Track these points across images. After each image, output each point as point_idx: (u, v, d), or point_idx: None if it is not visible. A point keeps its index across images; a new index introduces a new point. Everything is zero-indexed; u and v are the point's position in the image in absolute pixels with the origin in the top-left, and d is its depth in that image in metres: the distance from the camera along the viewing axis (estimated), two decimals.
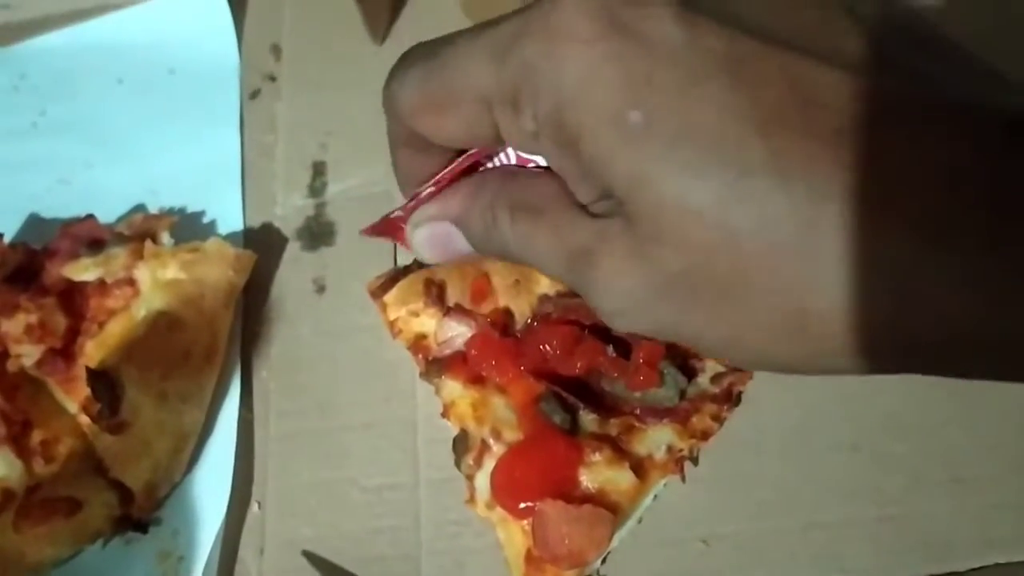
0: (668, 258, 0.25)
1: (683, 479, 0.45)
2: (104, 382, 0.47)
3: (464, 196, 0.32)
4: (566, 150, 0.26)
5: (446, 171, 0.33)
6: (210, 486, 0.49)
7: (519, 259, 0.30)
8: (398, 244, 0.42)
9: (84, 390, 0.48)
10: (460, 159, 0.33)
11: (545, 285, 0.48)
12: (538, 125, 0.27)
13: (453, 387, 0.46)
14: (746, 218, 0.24)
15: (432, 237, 0.34)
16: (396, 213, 0.38)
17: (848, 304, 0.23)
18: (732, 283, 0.25)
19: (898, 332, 0.24)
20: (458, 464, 0.45)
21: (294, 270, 0.54)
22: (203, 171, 0.57)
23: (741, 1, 0.25)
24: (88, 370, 0.47)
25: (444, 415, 0.46)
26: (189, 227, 0.55)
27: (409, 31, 0.59)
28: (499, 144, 0.30)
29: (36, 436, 0.48)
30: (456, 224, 0.32)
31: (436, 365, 0.47)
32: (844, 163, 0.23)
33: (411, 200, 0.36)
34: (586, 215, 0.28)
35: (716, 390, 0.45)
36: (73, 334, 0.50)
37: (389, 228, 0.39)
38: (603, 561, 0.44)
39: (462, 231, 0.32)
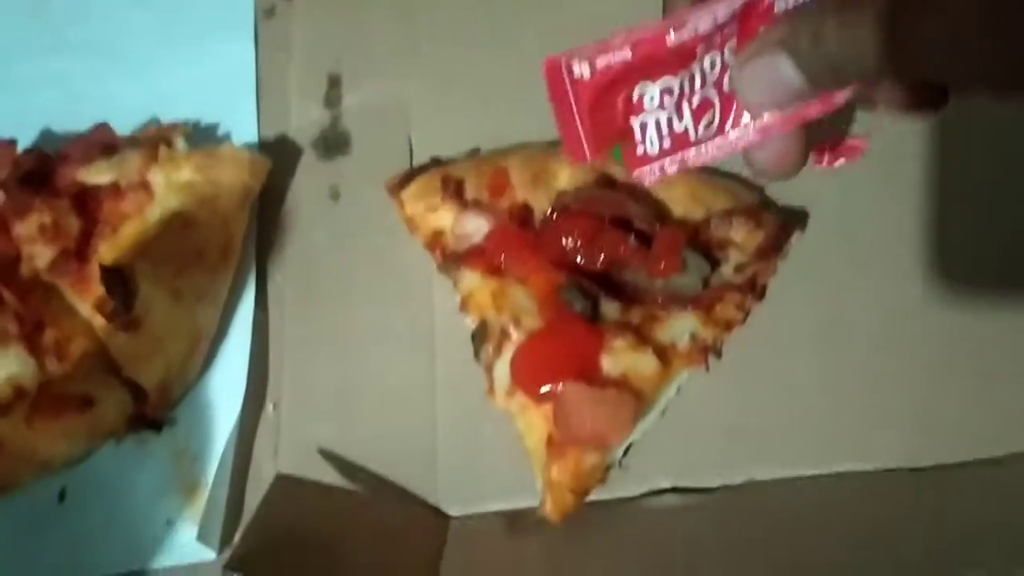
0: None
1: (707, 368, 0.44)
2: (117, 278, 0.47)
3: (784, 20, 0.30)
4: None
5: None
6: (225, 387, 0.48)
7: (847, 65, 0.29)
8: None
9: (97, 291, 0.48)
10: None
11: (563, 181, 0.47)
12: None
13: (471, 278, 0.45)
14: None
15: (763, 71, 0.31)
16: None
17: None
18: None
19: None
20: (477, 354, 0.45)
21: (309, 178, 0.53)
22: (217, 86, 0.56)
23: None
24: (101, 266, 0.47)
25: (462, 308, 0.46)
26: (203, 138, 0.54)
27: None
28: None
29: (49, 335, 0.47)
30: (782, 46, 0.30)
31: (454, 258, 0.46)
32: None
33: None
34: None
35: (740, 280, 0.45)
36: (86, 236, 0.49)
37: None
38: (625, 453, 0.44)
39: (789, 52, 0.30)
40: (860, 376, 0.44)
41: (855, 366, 0.44)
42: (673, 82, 0.31)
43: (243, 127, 0.55)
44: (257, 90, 0.56)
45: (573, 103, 0.31)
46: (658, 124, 0.32)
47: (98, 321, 0.48)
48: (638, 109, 0.31)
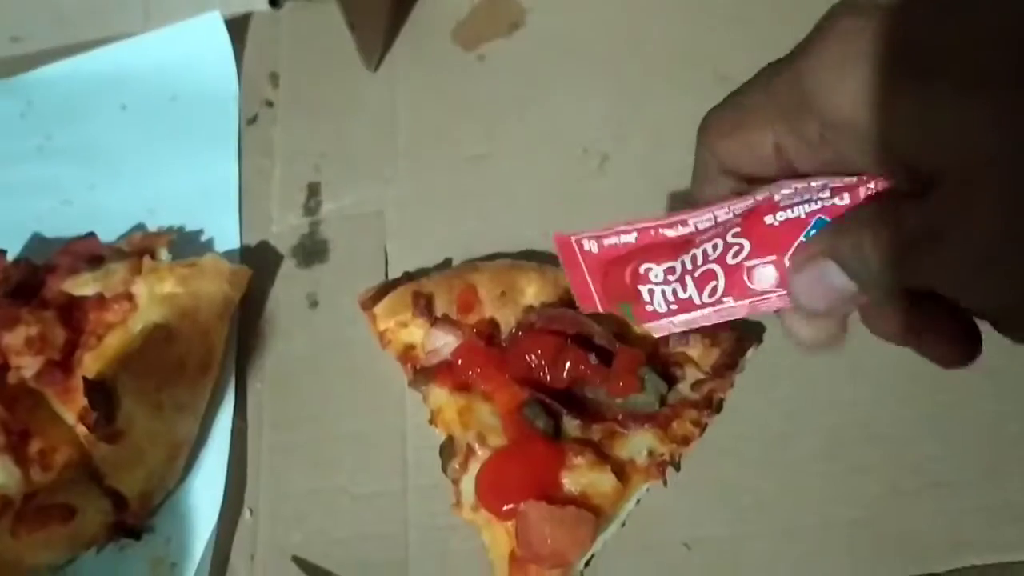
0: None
1: (664, 483, 0.45)
2: (101, 392, 0.49)
3: (826, 231, 0.32)
4: (855, 140, 0.28)
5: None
6: (203, 494, 0.50)
7: (889, 275, 0.30)
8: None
9: (81, 401, 0.49)
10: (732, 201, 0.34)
11: (530, 296, 0.49)
12: (823, 126, 0.29)
13: (440, 394, 0.47)
14: None
15: (815, 277, 0.32)
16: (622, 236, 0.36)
17: None
18: None
19: None
20: (445, 469, 0.47)
21: (288, 286, 0.55)
22: (201, 193, 0.59)
23: None
24: (85, 380, 0.49)
25: (432, 422, 0.48)
26: (187, 246, 0.56)
27: (401, 58, 0.61)
28: (777, 168, 0.32)
29: (34, 445, 0.49)
30: (829, 255, 0.31)
31: (424, 373, 0.48)
32: None
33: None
34: (913, 204, 0.28)
35: (697, 397, 0.46)
36: (72, 347, 0.51)
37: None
38: (586, 564, 0.45)
39: (836, 260, 0.31)
40: (814, 489, 0.46)
41: (810, 478, 0.46)
42: (675, 263, 0.35)
43: (226, 233, 0.57)
44: (240, 196, 0.58)
45: (584, 268, 0.37)
46: (664, 292, 0.36)
47: (82, 430, 0.49)
48: (644, 280, 0.36)
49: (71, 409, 0.50)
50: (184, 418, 0.50)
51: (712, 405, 0.47)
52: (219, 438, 0.51)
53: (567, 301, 0.49)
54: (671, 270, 0.35)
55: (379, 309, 0.50)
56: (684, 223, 0.35)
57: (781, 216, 0.32)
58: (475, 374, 0.47)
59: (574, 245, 0.37)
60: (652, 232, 0.36)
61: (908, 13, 0.27)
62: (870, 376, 0.47)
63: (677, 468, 0.47)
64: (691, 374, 0.47)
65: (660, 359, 0.47)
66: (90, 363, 0.50)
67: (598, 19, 0.60)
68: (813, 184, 0.32)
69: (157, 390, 0.50)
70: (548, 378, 0.47)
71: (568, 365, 0.46)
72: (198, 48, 0.62)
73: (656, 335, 0.37)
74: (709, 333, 0.47)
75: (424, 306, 0.49)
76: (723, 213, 0.34)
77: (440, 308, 0.49)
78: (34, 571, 0.48)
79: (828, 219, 0.31)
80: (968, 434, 0.46)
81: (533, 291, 0.49)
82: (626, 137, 0.56)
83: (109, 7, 0.65)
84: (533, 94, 0.59)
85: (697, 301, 0.35)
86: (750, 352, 0.48)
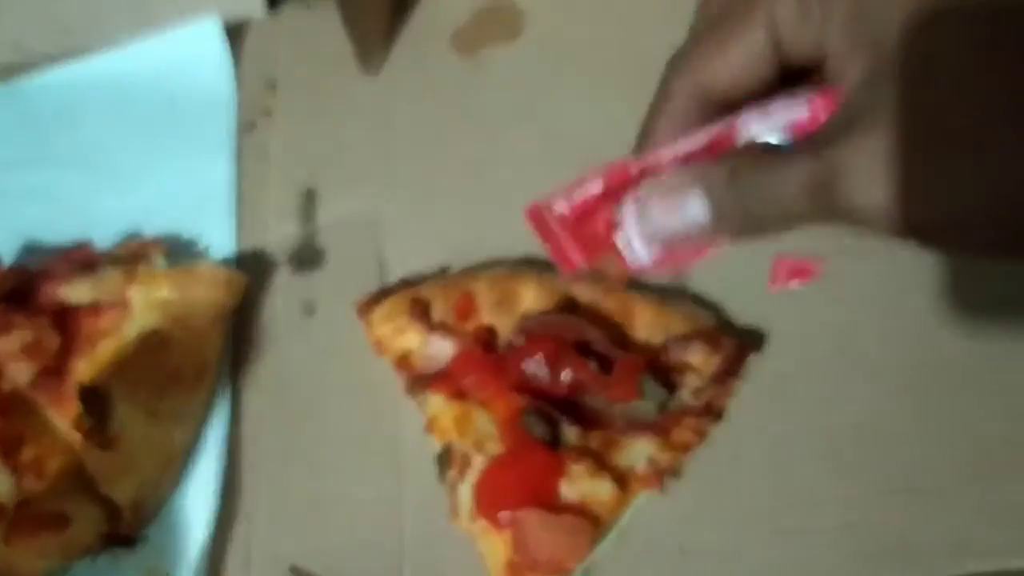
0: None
1: (662, 491, 0.45)
2: (95, 397, 0.48)
3: (708, 159, 0.32)
4: (852, 25, 0.29)
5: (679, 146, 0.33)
6: (198, 503, 0.49)
7: (761, 203, 0.30)
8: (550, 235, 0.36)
9: (75, 408, 0.49)
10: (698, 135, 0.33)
11: (528, 303, 0.49)
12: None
13: (436, 401, 0.47)
14: None
15: (671, 202, 0.33)
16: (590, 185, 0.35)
17: None
18: None
19: None
20: (441, 478, 0.46)
21: (284, 293, 0.55)
22: (197, 200, 0.58)
23: None
24: (80, 386, 0.48)
25: (428, 430, 0.47)
26: (182, 253, 0.56)
27: (400, 65, 0.61)
28: (761, 69, 0.32)
29: (27, 452, 0.49)
30: (698, 180, 0.32)
31: (420, 380, 0.48)
32: None
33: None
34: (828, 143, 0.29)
35: (697, 404, 0.46)
36: (65, 354, 0.51)
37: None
38: (584, 574, 0.45)
39: (705, 188, 0.32)
40: (813, 494, 0.45)
41: (810, 486, 0.46)
42: None
43: (221, 240, 0.57)
44: (237, 203, 0.58)
45: (559, 234, 0.36)
46: (639, 236, 0.34)
47: (75, 437, 0.49)
48: (617, 226, 0.35)
49: (64, 416, 0.49)
50: (179, 426, 0.50)
51: (712, 412, 0.46)
52: (214, 446, 0.51)
53: (566, 309, 0.49)
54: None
55: (376, 315, 0.49)
56: (645, 160, 0.34)
57: (741, 141, 0.32)
58: (473, 381, 0.47)
59: (543, 211, 0.35)
60: (616, 177, 0.34)
61: None
62: (871, 383, 0.47)
63: (677, 475, 0.46)
64: (691, 381, 0.47)
65: (660, 366, 0.47)
66: (84, 369, 0.50)
67: (598, 27, 0.59)
68: (772, 108, 0.32)
69: (151, 397, 0.49)
70: (546, 386, 0.46)
71: (567, 372, 0.46)
72: (195, 54, 0.62)
73: (637, 271, 0.36)
74: (710, 341, 0.47)
75: (421, 312, 0.49)
76: (687, 144, 0.33)
77: (437, 315, 0.49)
78: None
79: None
80: (968, 437, 0.45)
81: (531, 298, 0.49)
82: (625, 145, 0.55)
83: (107, 13, 0.64)
84: (532, 101, 0.58)
85: None
86: (751, 359, 0.47)
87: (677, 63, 0.34)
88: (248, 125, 0.61)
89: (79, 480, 0.49)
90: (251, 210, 0.58)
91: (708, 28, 0.34)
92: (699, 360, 0.47)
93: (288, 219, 0.57)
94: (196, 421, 0.51)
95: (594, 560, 0.44)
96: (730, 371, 0.47)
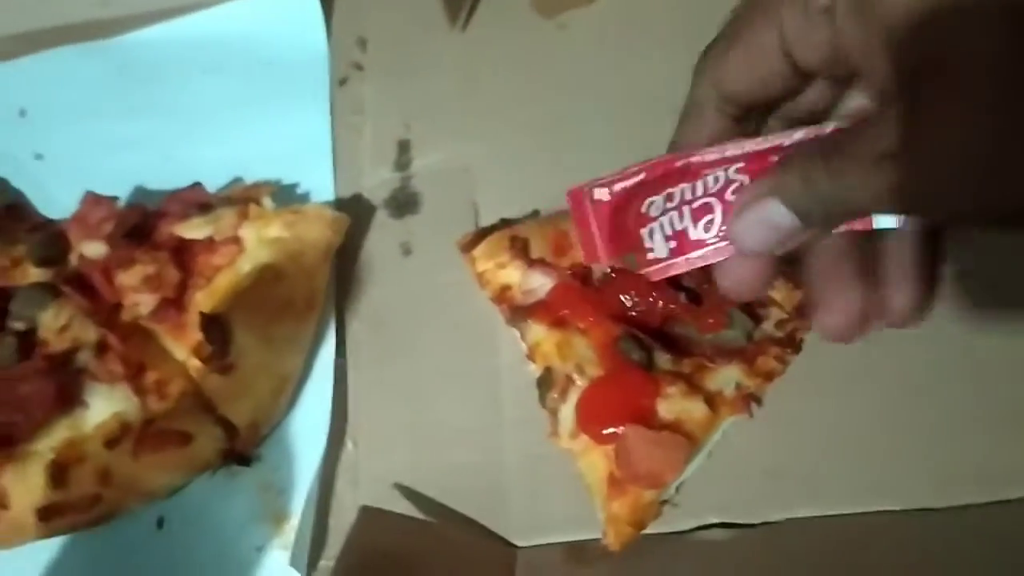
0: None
1: (750, 415, 0.48)
2: (216, 325, 0.52)
3: (772, 169, 0.34)
4: (862, 15, 0.30)
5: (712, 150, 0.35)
6: (308, 426, 0.53)
7: (842, 207, 0.31)
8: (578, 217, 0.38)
9: (193, 336, 0.53)
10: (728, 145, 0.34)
11: None
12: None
13: (538, 330, 0.50)
14: None
15: (755, 217, 0.34)
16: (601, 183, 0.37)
17: None
18: None
19: None
20: (542, 399, 0.49)
21: (382, 235, 0.58)
22: (295, 149, 0.62)
23: None
24: (202, 315, 0.52)
25: (529, 356, 0.51)
26: (284, 198, 0.59)
27: (484, 24, 0.64)
28: (780, 72, 0.34)
29: (150, 377, 0.52)
30: (774, 193, 0.33)
31: (521, 311, 0.51)
32: None
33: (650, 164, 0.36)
34: (882, 120, 0.29)
35: (780, 334, 0.49)
36: (183, 286, 0.54)
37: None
38: (677, 490, 0.48)
39: (780, 197, 0.33)
40: (891, 420, 0.49)
41: (886, 411, 0.49)
42: (675, 190, 0.36)
43: (320, 187, 0.60)
44: (333, 152, 0.61)
45: (592, 221, 0.37)
46: (662, 227, 0.37)
47: (193, 364, 0.53)
48: (646, 220, 0.37)
49: (183, 344, 0.53)
50: (291, 352, 0.53)
51: (794, 343, 0.49)
52: (321, 375, 0.54)
53: None
54: (670, 196, 0.36)
55: (478, 252, 0.53)
56: (691, 157, 0.35)
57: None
58: (571, 311, 0.50)
59: (584, 196, 0.37)
60: (659, 169, 0.35)
61: None
62: (950, 321, 0.50)
63: (759, 403, 0.49)
64: (775, 314, 0.50)
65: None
66: (202, 301, 0.53)
67: None
68: (826, 130, 0.33)
69: (267, 325, 0.53)
70: (639, 316, 0.50)
71: (660, 304, 0.49)
72: (290, 14, 0.65)
73: (654, 279, 0.38)
74: (791, 277, 0.50)
75: (520, 249, 0.52)
76: (732, 149, 0.34)
77: (535, 252, 0.52)
78: (152, 493, 0.51)
79: None
80: None
81: None
82: None
83: None
84: (612, 62, 0.61)
85: (692, 235, 0.37)
86: None
87: (700, 68, 0.36)
88: (341, 80, 0.64)
89: (199, 402, 0.52)
90: (348, 160, 0.61)
91: (723, 34, 0.35)
92: (781, 295, 0.50)
93: (384, 167, 0.60)
94: (306, 348, 0.54)
95: (687, 477, 0.48)
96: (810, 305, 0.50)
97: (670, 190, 0.36)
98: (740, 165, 0.34)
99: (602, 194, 0.36)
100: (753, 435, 0.49)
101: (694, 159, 0.35)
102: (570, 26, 0.63)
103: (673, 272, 0.38)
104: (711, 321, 0.49)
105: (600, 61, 0.61)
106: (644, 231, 0.37)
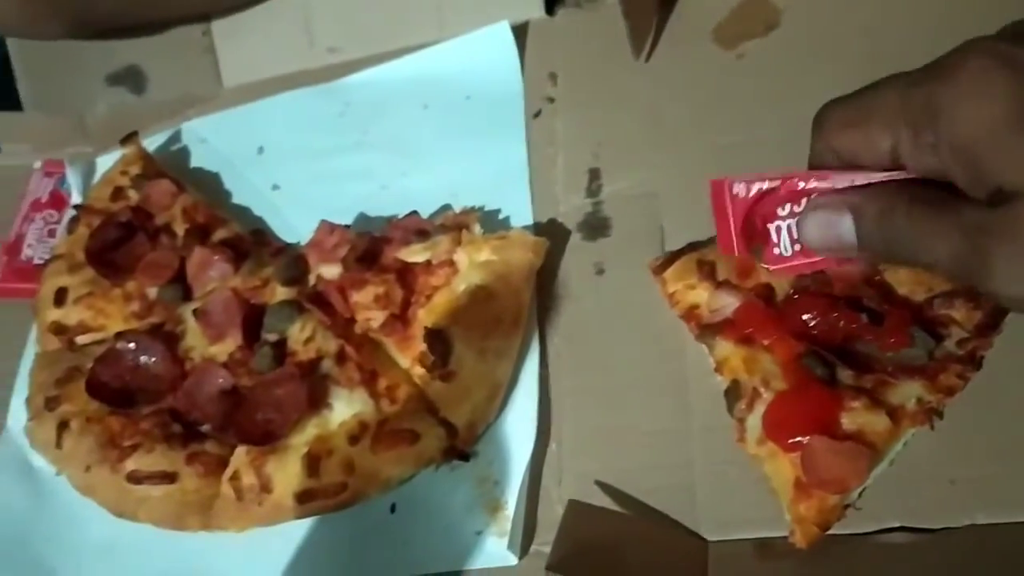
0: None
1: (932, 427, 0.52)
2: (439, 338, 0.59)
3: (865, 191, 0.38)
4: (961, 155, 0.34)
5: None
6: (517, 427, 0.60)
7: (906, 249, 0.35)
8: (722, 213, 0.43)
9: (417, 347, 0.61)
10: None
11: None
12: (937, 138, 0.34)
13: (725, 346, 0.55)
14: None
15: (825, 220, 0.38)
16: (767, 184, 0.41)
17: None
18: None
19: None
20: (730, 409, 0.54)
21: (577, 257, 0.65)
22: (496, 178, 0.69)
23: None
24: (426, 329, 0.60)
25: (716, 370, 0.56)
26: (488, 224, 0.66)
27: (665, 57, 0.69)
28: (888, 163, 0.37)
29: (381, 382, 0.61)
30: (852, 210, 0.37)
31: (710, 328, 0.56)
32: None
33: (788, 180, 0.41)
34: (981, 206, 0.33)
35: (961, 353, 0.52)
36: (407, 304, 0.63)
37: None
38: (859, 495, 0.52)
39: (856, 219, 0.37)
40: None
41: None
42: (805, 200, 0.40)
43: (519, 213, 0.67)
44: (530, 181, 0.68)
45: (730, 212, 0.43)
46: (789, 229, 0.42)
47: (417, 371, 0.61)
48: (775, 218, 0.42)
49: (407, 355, 0.61)
50: (501, 362, 0.61)
51: (975, 361, 0.52)
52: (527, 382, 0.61)
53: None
54: (799, 203, 0.40)
55: (668, 274, 0.58)
56: (826, 178, 0.39)
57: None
58: (757, 329, 0.55)
59: (725, 189, 0.42)
60: (796, 182, 0.40)
61: None
62: None
63: (940, 416, 0.52)
64: (956, 333, 0.53)
65: (926, 320, 0.53)
66: (424, 317, 0.61)
67: (852, 19, 0.65)
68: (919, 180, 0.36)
69: (480, 339, 0.60)
70: (822, 335, 0.54)
71: (841, 323, 0.53)
72: (488, 53, 0.72)
73: (778, 277, 0.43)
74: (972, 297, 0.53)
75: (708, 271, 0.57)
76: (862, 178, 0.38)
77: (721, 274, 0.57)
78: (388, 482, 0.59)
79: None
80: None
81: None
82: None
83: (409, 20, 0.76)
84: (788, 91, 0.64)
85: None
86: (1009, 315, 0.53)
87: (818, 123, 0.40)
88: (535, 113, 0.71)
89: (423, 405, 0.60)
90: (543, 187, 0.68)
91: (842, 106, 0.38)
92: (962, 315, 0.53)
93: (576, 194, 0.67)
94: (514, 359, 0.61)
95: (869, 483, 0.52)
96: (990, 324, 0.53)
97: (802, 199, 0.40)
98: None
99: (740, 188, 0.42)
100: (934, 444, 0.52)
101: (824, 184, 0.39)
102: (748, 55, 0.68)
103: (796, 268, 0.43)
104: (893, 340, 0.52)
105: (777, 89, 0.65)
106: (772, 227, 0.42)
